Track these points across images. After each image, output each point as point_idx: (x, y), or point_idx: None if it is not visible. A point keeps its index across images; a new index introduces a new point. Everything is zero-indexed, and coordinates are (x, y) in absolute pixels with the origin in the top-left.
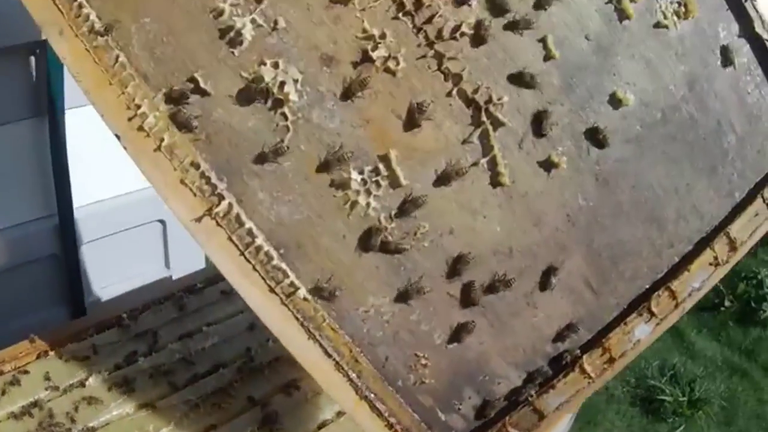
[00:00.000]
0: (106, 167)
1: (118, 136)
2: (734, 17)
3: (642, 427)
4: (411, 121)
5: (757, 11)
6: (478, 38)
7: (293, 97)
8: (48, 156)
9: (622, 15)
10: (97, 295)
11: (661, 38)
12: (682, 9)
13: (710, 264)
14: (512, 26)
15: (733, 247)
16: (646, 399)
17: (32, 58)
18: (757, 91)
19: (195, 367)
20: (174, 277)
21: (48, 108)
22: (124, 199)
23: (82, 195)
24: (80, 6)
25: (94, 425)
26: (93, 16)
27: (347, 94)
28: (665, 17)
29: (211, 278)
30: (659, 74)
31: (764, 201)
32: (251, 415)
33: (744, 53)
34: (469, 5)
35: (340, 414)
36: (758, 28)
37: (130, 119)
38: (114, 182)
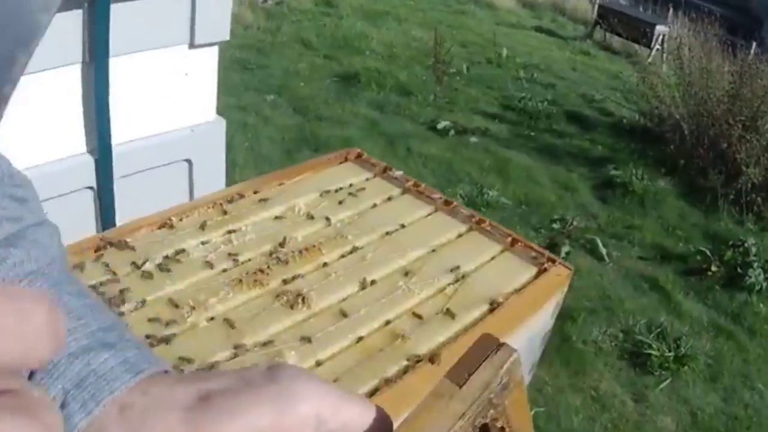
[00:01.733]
0: (141, 110)
1: None
2: None
3: (629, 379)
4: None
5: None
6: None
7: None
8: (92, 98)
9: None
10: None
11: None
12: None
13: None
14: None
15: None
16: (633, 353)
17: (82, 11)
18: None
19: (237, 256)
20: None
21: (95, 54)
22: (156, 140)
23: (119, 134)
24: None
25: (148, 299)
26: None
27: None
28: None
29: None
30: None
31: None
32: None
33: None
34: None
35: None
36: None
37: None
38: (148, 124)
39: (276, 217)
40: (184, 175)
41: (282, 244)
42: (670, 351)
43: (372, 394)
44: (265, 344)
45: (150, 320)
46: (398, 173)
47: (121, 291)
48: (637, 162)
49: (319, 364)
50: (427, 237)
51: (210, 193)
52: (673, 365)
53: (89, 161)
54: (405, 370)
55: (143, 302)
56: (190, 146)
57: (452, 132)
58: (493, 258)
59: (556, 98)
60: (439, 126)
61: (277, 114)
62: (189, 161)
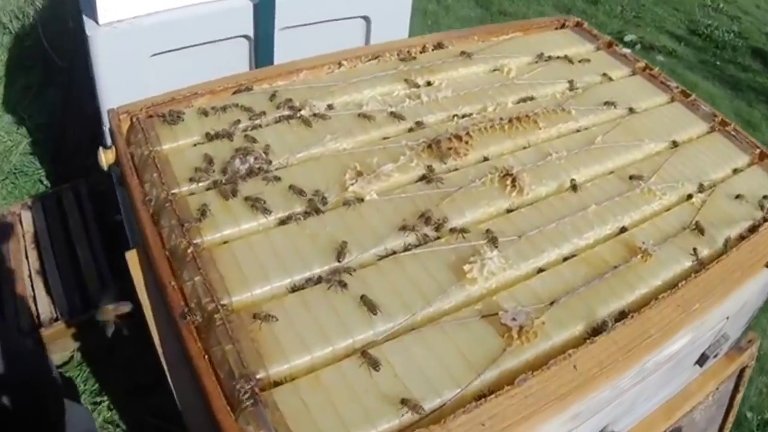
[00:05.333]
0: None
1: None
2: None
3: None
4: None
5: None
6: None
7: None
8: None
9: None
10: None
11: None
12: None
13: None
14: None
15: None
16: None
17: None
18: None
19: (426, 115)
20: None
21: None
22: None
23: None
24: None
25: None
26: None
27: None
28: None
29: None
30: None
31: None
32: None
33: None
34: None
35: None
36: None
37: None
38: None
39: (480, 75)
40: (359, 34)
41: (486, 108)
42: None
43: (595, 332)
44: (461, 231)
45: (291, 190)
46: (626, 50)
47: (266, 147)
48: None
49: (527, 276)
50: (665, 129)
51: (397, 39)
52: None
53: (247, 7)
54: (645, 302)
55: (286, 162)
56: (371, 2)
57: (639, 47)
58: (739, 170)
59: (741, 31)
60: (626, 39)
61: (459, 5)
62: (366, 19)
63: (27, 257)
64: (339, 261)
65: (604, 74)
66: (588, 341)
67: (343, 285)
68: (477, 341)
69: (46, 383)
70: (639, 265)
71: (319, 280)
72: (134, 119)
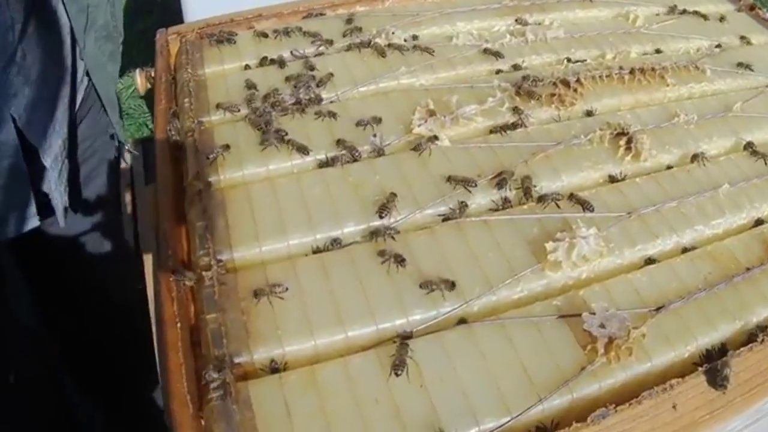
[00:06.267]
0: None
1: None
2: None
3: None
4: None
5: None
6: None
7: None
8: None
9: None
10: None
11: None
12: None
13: None
14: None
15: None
16: None
17: None
18: None
19: (529, 57)
20: None
21: None
22: None
23: None
24: None
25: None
26: None
27: None
28: None
29: None
30: None
31: None
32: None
33: None
34: None
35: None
36: None
37: None
38: None
39: (601, 20)
40: None
41: (604, 55)
42: None
43: (709, 358)
44: (553, 198)
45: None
46: None
47: (325, 77)
48: None
49: (630, 267)
50: None
51: None
52: None
53: None
54: None
55: (345, 96)
56: None
57: None
58: None
59: None
60: None
61: None
62: None
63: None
64: (381, 217)
65: (743, 37)
66: (699, 370)
67: (381, 253)
68: (547, 351)
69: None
70: None
71: (350, 242)
72: (183, 40)
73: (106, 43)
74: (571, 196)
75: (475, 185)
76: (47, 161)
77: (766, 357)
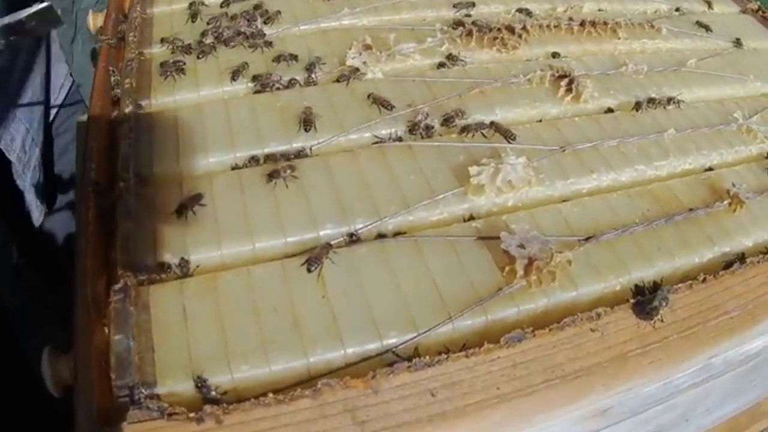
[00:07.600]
0: None
1: None
2: None
3: None
4: None
5: None
6: None
7: None
8: None
9: None
10: None
11: None
12: None
13: None
14: None
15: None
16: None
17: None
18: None
19: None
20: None
21: None
22: None
23: None
24: None
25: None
26: None
27: None
28: None
29: None
30: None
31: None
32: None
33: None
34: None
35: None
36: None
37: None
38: None
39: None
40: None
41: (555, 8)
42: None
43: (642, 292)
44: (478, 126)
45: (278, 59)
46: None
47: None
48: None
49: (561, 199)
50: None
51: None
52: None
53: None
54: (726, 264)
55: (284, 32)
56: None
57: None
58: None
59: None
60: None
61: None
62: None
63: None
64: (306, 131)
65: (707, 3)
66: (630, 302)
67: (291, 169)
68: (461, 271)
69: None
70: (724, 214)
71: (267, 159)
72: None
73: (88, 43)
74: (492, 124)
75: (393, 107)
76: (12, 156)
77: (707, 298)
